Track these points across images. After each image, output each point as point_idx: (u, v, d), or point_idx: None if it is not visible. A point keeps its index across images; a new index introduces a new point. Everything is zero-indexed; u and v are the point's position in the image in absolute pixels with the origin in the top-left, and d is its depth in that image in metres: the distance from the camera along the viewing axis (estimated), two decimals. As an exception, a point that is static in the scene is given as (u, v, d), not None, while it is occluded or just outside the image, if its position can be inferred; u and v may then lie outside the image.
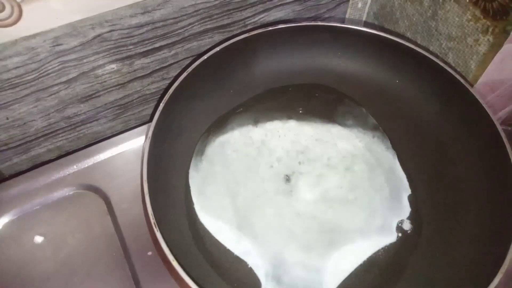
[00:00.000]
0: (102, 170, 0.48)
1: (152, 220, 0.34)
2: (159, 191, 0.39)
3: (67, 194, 0.47)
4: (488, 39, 0.44)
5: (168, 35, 0.49)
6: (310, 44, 0.51)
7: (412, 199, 0.43)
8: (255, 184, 0.42)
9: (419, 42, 0.53)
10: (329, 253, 0.39)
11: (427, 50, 0.51)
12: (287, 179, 0.43)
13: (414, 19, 0.53)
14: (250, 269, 0.38)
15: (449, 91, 0.46)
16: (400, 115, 0.48)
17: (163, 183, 0.41)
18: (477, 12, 0.44)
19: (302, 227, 0.40)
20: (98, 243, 0.43)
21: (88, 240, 0.43)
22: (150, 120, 0.41)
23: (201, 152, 0.45)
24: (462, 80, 0.45)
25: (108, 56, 0.47)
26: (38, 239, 0.43)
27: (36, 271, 0.42)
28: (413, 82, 0.49)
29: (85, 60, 0.46)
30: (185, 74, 0.44)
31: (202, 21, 0.50)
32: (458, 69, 0.49)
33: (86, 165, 0.48)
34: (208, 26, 0.51)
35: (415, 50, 0.47)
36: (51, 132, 0.51)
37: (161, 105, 0.41)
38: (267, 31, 0.48)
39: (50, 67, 0.44)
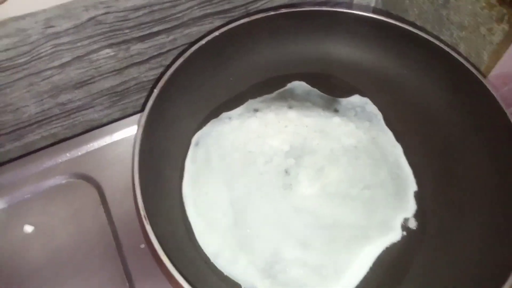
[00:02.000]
0: (96, 158, 0.46)
1: (142, 213, 0.32)
2: (152, 182, 0.37)
3: (59, 182, 0.45)
4: (503, 28, 0.42)
5: (166, 19, 0.47)
6: (313, 30, 0.48)
7: (418, 196, 0.41)
8: (252, 177, 0.41)
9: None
10: (329, 250, 0.37)
11: (437, 38, 0.49)
12: (287, 172, 0.41)
13: (425, 7, 0.51)
14: (246, 265, 0.36)
15: (460, 82, 0.44)
16: (407, 107, 0.46)
17: (156, 174, 0.39)
18: (492, -1, 0.42)
19: (300, 223, 0.38)
20: (89, 235, 0.42)
21: (79, 231, 0.42)
22: (143, 109, 0.39)
23: (198, 142, 0.43)
24: (474, 71, 0.42)
25: (103, 40, 0.45)
26: (28, 228, 0.42)
27: (24, 262, 0.40)
28: (422, 72, 0.47)
29: (79, 44, 0.44)
30: (181, 59, 0.42)
31: (202, 5, 0.48)
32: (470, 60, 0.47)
33: (79, 153, 0.47)
34: (208, 11, 0.49)
35: (424, 38, 0.45)
36: (45, 119, 0.49)
37: (155, 92, 0.39)
38: (268, 16, 0.46)
39: (42, 50, 0.43)
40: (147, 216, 0.33)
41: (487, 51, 0.45)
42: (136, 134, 0.37)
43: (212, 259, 0.36)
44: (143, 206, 0.33)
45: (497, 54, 0.44)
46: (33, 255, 0.41)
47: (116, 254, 0.41)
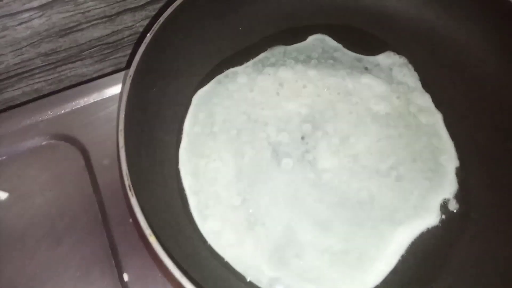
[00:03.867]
0: (82, 117, 0.41)
1: (127, 182, 0.26)
2: (142, 147, 0.31)
3: (38, 144, 0.40)
4: None
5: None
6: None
7: (460, 173, 0.34)
8: (263, 145, 0.34)
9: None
10: (353, 234, 0.31)
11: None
12: (303, 140, 0.35)
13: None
14: (252, 250, 0.31)
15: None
16: (450, 67, 0.39)
17: (147, 138, 0.33)
18: None
19: (319, 200, 0.32)
20: (72, 204, 0.37)
21: (60, 200, 0.37)
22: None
23: (199, 103, 0.37)
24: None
25: (90, -23, 0.39)
26: (2, 195, 0.37)
27: (-3, 232, 0.35)
28: (470, 24, 0.39)
29: (61, -20, 0.38)
30: (178, 2, 0.35)
31: None
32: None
33: (63, 111, 0.41)
34: None
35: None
36: (26, 71, 0.44)
37: (148, 36, 0.33)
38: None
39: (16, -14, 0.36)
40: (132, 185, 0.27)
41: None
42: (123, 86, 0.31)
43: (211, 241, 0.31)
44: (127, 173, 0.26)
45: None
46: (6, 225, 0.36)
47: (102, 227, 0.36)
